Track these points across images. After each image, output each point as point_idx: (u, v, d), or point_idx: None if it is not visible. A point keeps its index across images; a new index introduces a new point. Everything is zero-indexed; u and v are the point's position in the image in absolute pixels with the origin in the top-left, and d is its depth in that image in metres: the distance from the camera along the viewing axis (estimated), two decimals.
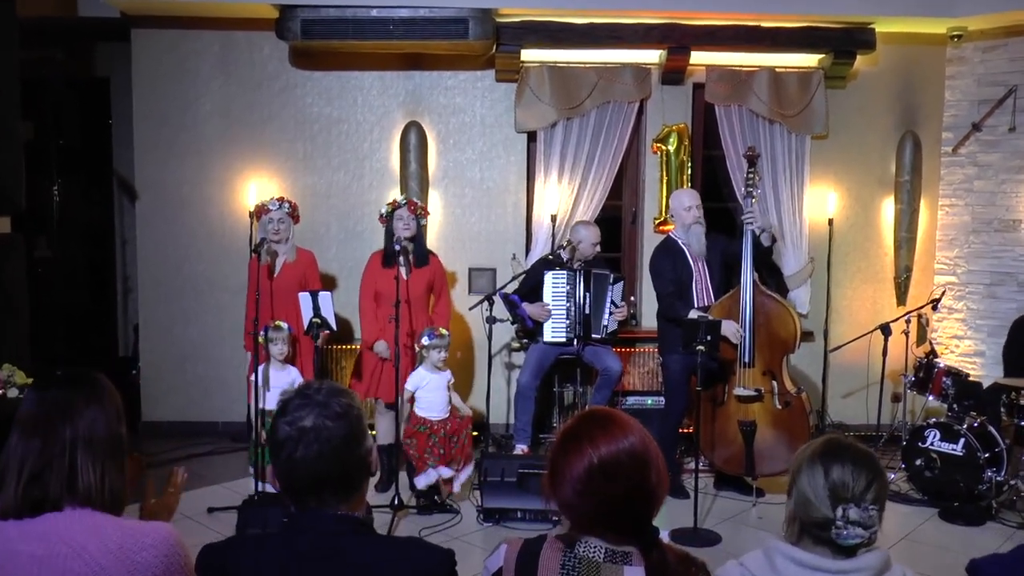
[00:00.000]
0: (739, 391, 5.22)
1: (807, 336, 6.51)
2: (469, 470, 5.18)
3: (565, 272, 5.76)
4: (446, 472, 5.04)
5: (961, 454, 5.18)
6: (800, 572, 1.82)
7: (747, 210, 5.26)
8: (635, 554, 1.79)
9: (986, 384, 5.94)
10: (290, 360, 5.25)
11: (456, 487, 5.15)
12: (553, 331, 5.79)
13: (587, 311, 5.72)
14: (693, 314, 5.15)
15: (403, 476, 5.22)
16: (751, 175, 5.31)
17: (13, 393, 4.56)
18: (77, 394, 1.89)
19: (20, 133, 5.43)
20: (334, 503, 1.78)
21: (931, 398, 5.66)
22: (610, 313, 5.76)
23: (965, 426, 5.22)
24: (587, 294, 5.72)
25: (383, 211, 5.47)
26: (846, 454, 1.82)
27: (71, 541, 1.77)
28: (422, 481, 5.01)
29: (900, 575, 1.86)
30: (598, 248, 5.91)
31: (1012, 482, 5.12)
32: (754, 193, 5.29)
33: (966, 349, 6.84)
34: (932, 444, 5.31)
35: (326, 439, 1.74)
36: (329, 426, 1.75)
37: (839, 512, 1.78)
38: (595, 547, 1.79)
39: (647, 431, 1.86)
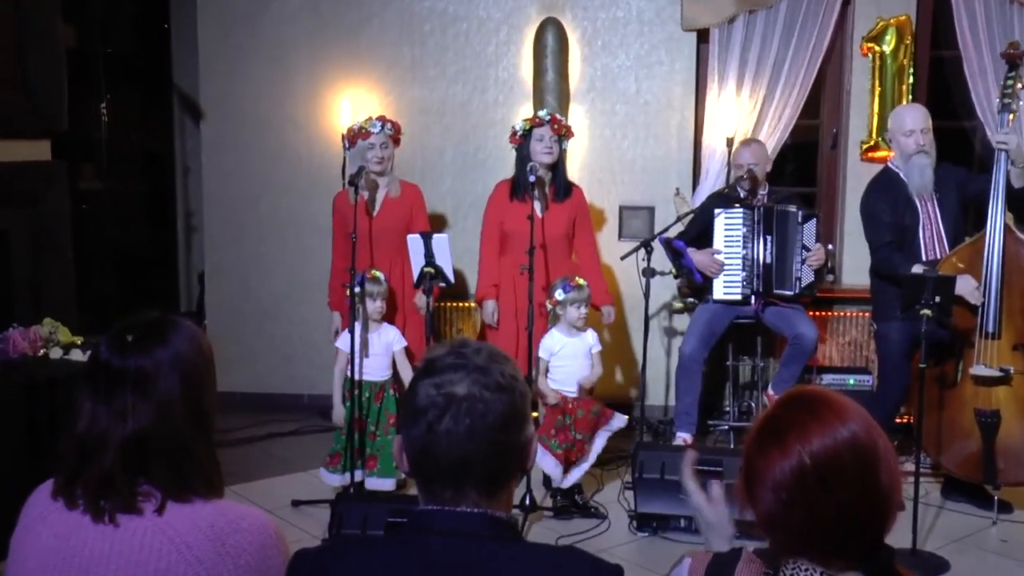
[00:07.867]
0: (978, 370, 5.02)
1: None
2: (589, 461, 5.10)
3: (741, 210, 5.65)
4: (574, 473, 5.04)
5: None
6: None
7: (1002, 129, 5.00)
8: None
9: None
10: (387, 319, 5.30)
11: (569, 481, 5.07)
12: (726, 286, 5.69)
13: (768, 260, 5.61)
14: (917, 268, 4.98)
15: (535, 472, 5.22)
16: (1010, 80, 5.01)
17: (57, 353, 4.75)
18: (152, 359, 1.87)
19: (60, 39, 5.57)
20: (474, 499, 1.71)
21: None
22: (802, 260, 5.61)
23: None
24: (768, 238, 5.60)
25: (517, 128, 5.43)
26: None
27: (151, 515, 1.82)
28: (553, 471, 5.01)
29: None
30: (769, 167, 5.82)
31: None
32: (1012, 106, 4.99)
33: None
34: None
35: (481, 414, 1.66)
36: (487, 398, 1.67)
37: None
38: (806, 571, 1.74)
39: (871, 417, 1.79)
